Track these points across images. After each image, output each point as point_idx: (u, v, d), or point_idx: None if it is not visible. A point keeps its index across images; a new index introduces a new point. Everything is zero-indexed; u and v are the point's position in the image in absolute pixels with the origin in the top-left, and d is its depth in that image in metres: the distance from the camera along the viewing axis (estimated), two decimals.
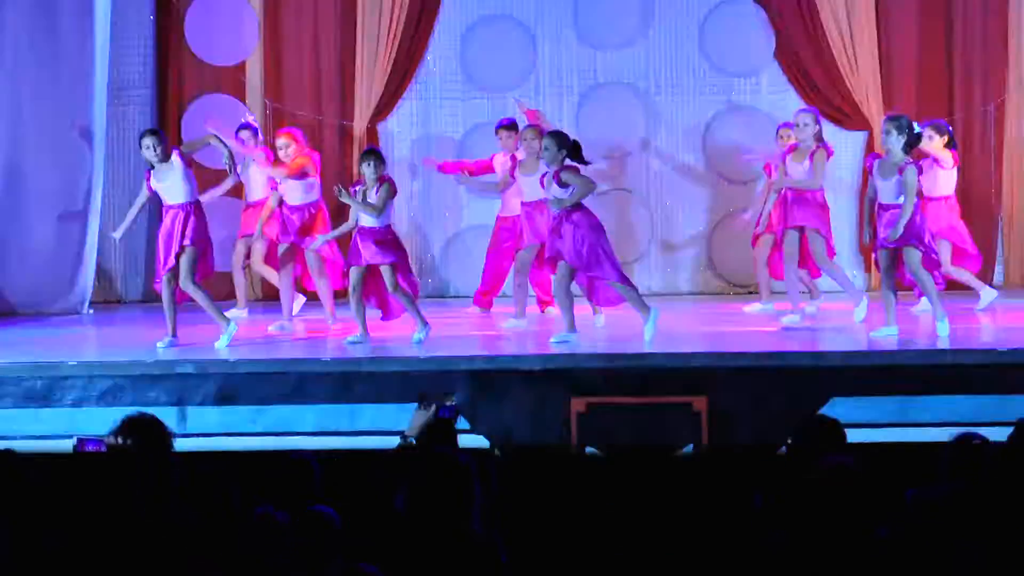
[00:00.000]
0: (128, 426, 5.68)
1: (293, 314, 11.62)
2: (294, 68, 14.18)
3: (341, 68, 14.11)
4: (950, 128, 11.93)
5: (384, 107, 14.03)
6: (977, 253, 12.08)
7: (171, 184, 10.29)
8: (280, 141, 11.50)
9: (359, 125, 13.97)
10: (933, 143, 11.57)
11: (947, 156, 11.76)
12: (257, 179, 12.30)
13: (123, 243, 14.13)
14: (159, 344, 10.26)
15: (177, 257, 10.28)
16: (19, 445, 6.52)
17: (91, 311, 13.12)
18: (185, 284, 10.31)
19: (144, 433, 6.17)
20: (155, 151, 10.20)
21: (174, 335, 10.36)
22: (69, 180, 12.88)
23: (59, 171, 12.83)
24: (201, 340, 10.48)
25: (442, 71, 14.29)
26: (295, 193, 11.45)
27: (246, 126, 12.48)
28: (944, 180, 11.85)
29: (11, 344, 10.96)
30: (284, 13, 14.16)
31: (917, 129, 10.19)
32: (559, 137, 10.28)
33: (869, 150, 13.87)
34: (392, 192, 10.35)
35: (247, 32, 14.03)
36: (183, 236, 10.22)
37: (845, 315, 11.34)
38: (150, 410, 6.17)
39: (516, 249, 11.92)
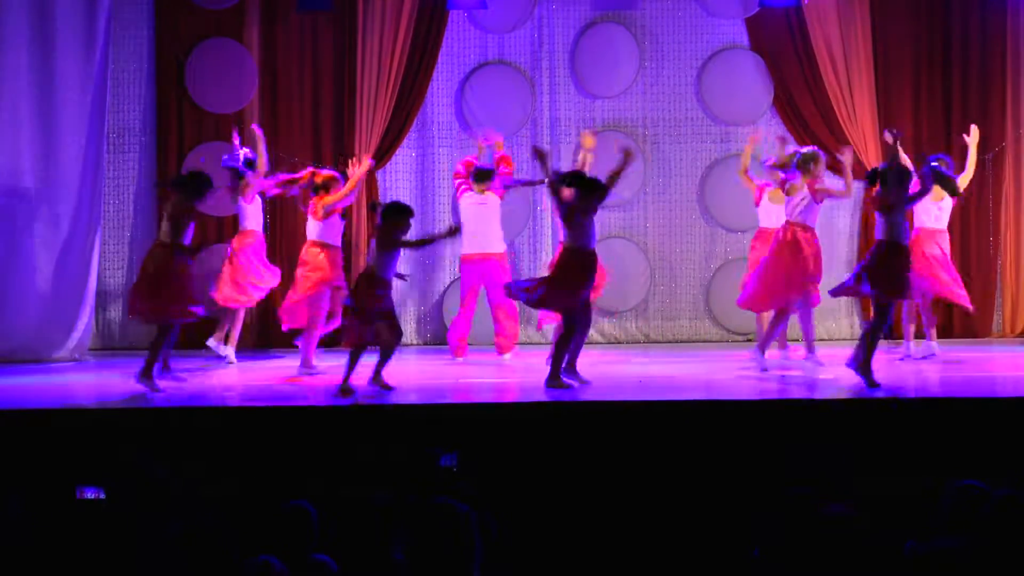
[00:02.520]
0: None
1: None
2: (293, 115, 14.22)
3: (339, 115, 14.15)
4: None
5: (383, 154, 14.06)
6: None
7: None
8: (323, 178, 11.58)
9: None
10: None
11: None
12: (247, 209, 12.37)
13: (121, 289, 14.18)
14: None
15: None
16: None
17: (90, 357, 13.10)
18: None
19: None
20: None
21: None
22: (69, 226, 12.88)
23: (58, 217, 12.84)
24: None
25: (440, 119, 14.34)
26: (322, 232, 11.45)
27: (246, 159, 12.47)
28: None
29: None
30: (283, 61, 14.20)
31: None
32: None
33: (867, 198, 13.89)
34: None
35: (246, 80, 14.08)
36: None
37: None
38: None
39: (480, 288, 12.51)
